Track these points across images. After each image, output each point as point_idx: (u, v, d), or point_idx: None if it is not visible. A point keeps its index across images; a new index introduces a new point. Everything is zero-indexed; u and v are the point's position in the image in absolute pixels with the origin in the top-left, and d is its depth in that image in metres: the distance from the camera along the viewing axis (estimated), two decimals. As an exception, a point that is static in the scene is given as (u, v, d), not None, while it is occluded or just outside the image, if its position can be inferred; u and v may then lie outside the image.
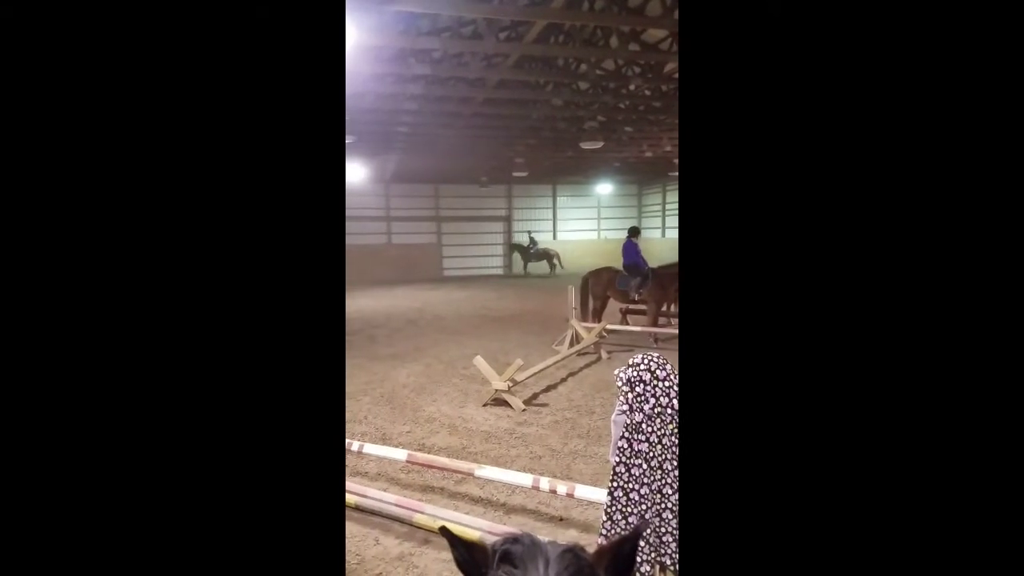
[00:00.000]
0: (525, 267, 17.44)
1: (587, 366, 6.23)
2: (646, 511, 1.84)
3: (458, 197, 17.52)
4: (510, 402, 4.81)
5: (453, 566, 0.65)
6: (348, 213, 16.41)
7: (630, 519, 1.87)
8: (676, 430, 1.82)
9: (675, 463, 1.81)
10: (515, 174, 14.81)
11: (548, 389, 5.39)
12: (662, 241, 17.18)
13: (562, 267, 17.30)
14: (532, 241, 17.61)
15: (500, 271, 18.02)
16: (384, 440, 4.07)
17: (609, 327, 7.08)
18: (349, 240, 16.62)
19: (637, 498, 1.86)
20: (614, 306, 7.82)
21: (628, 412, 1.88)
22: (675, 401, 1.83)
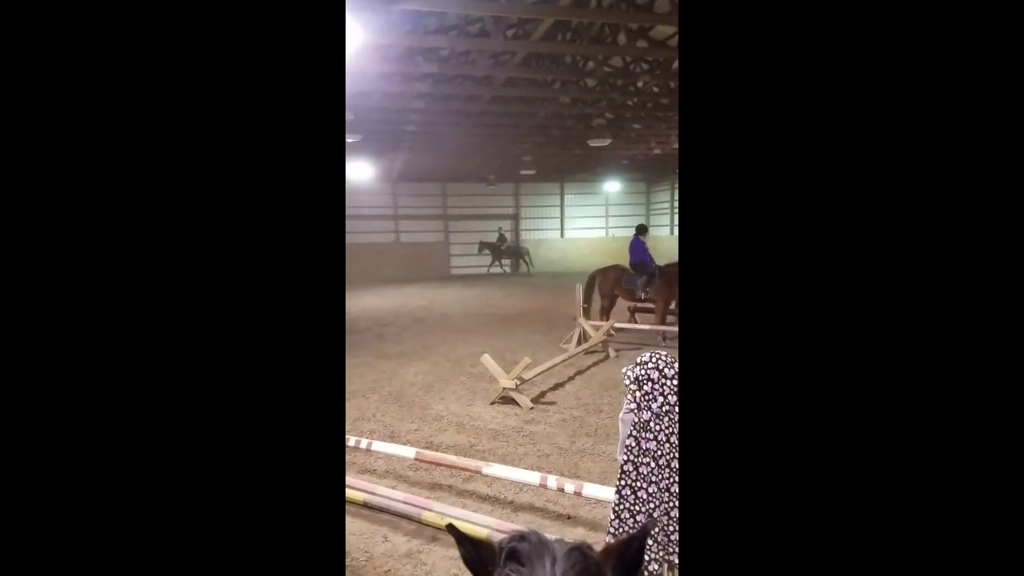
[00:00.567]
0: (491, 265, 17.15)
1: (595, 364, 6.22)
2: (654, 509, 1.84)
3: (466, 195, 17.53)
4: (518, 400, 4.81)
5: (461, 563, 0.65)
6: (356, 212, 16.54)
7: (638, 517, 1.86)
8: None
9: (683, 462, 1.81)
10: (523, 172, 14.79)
11: (556, 387, 5.39)
12: (671, 239, 17.08)
13: (533, 265, 17.16)
14: (501, 238, 17.37)
15: (507, 269, 18.02)
16: (392, 438, 4.09)
17: (617, 325, 7.06)
18: (357, 239, 16.77)
19: (645, 496, 1.85)
20: (622, 304, 7.79)
21: (636, 410, 1.87)
22: (683, 399, 1.82)
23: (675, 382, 1.84)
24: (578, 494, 2.69)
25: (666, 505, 1.83)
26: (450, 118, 8.51)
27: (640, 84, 7.16)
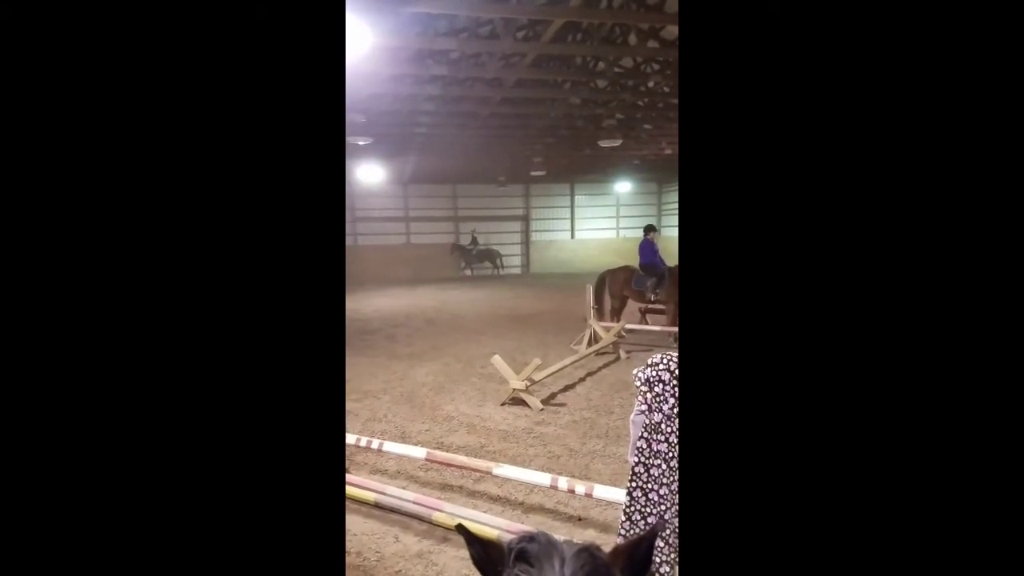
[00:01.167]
0: (463, 267, 16.85)
1: (606, 366, 6.19)
2: (665, 511, 1.83)
3: (476, 197, 17.58)
4: (528, 401, 4.81)
5: (472, 564, 0.65)
6: (367, 214, 16.65)
7: (649, 519, 1.85)
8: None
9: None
10: (533, 173, 14.79)
11: (566, 389, 5.38)
12: (682, 239, 16.93)
13: (503, 267, 17.07)
14: (474, 240, 17.12)
15: (518, 270, 18.03)
16: (403, 438, 4.11)
17: (628, 327, 7.02)
18: (369, 240, 16.85)
19: (656, 498, 1.84)
20: (633, 305, 7.75)
21: (647, 412, 1.87)
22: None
23: (686, 384, 1.83)
24: (589, 496, 2.68)
25: (677, 507, 1.82)
26: (460, 120, 8.54)
27: (651, 84, 7.12)
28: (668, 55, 6.29)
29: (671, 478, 1.82)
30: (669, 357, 1.88)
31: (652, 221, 16.20)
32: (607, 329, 6.67)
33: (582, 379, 5.68)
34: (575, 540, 0.63)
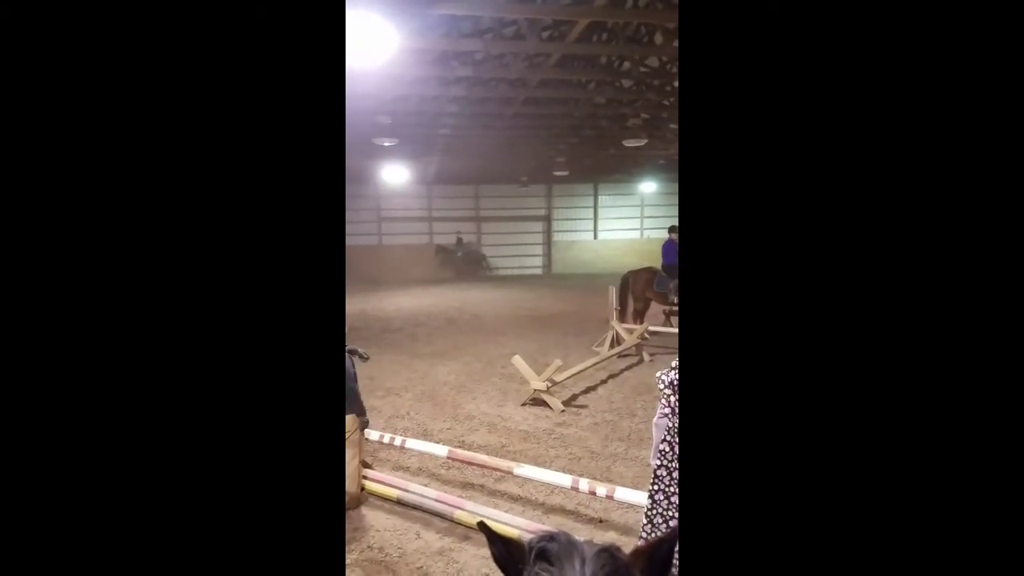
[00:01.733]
0: (446, 269, 16.24)
1: (628, 368, 6.14)
2: (687, 516, 1.81)
3: (498, 197, 17.62)
4: (549, 402, 4.80)
5: (492, 563, 0.66)
6: (390, 214, 16.83)
7: (671, 523, 1.83)
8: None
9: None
10: (555, 173, 14.75)
11: (588, 391, 5.35)
12: (707, 241, 16.66)
13: (492, 269, 16.77)
14: (459, 242, 16.70)
15: (539, 271, 18.01)
16: (425, 436, 4.15)
17: (651, 329, 6.95)
18: (392, 240, 17.02)
19: (678, 502, 1.82)
20: (657, 307, 7.67)
21: (670, 415, 1.85)
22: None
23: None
24: (610, 498, 2.67)
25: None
26: (484, 120, 8.57)
27: (677, 84, 7.04)
28: (695, 54, 6.19)
29: (694, 482, 1.80)
30: (693, 360, 1.86)
31: (675, 221, 15.98)
32: (630, 331, 6.61)
33: (604, 381, 5.65)
34: (595, 541, 0.64)
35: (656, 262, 7.78)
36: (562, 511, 3.09)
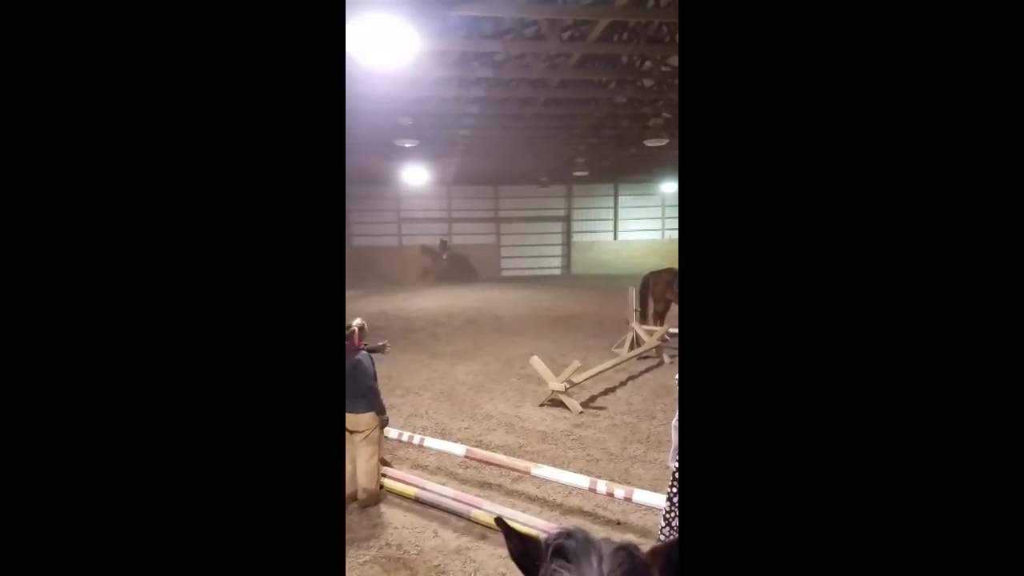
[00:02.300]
0: (431, 274, 15.87)
1: (648, 370, 6.09)
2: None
3: (518, 198, 17.63)
4: (567, 403, 4.79)
5: (510, 562, 0.66)
6: (410, 215, 16.97)
7: (690, 527, 1.82)
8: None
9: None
10: (576, 173, 14.70)
11: (606, 392, 5.32)
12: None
13: (478, 272, 16.46)
14: (443, 245, 16.31)
15: (559, 272, 17.96)
16: (443, 435, 4.17)
17: (672, 330, 6.88)
18: (412, 240, 17.14)
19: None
20: (677, 309, 7.58)
21: (689, 417, 1.83)
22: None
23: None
24: (628, 500, 2.65)
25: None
26: (504, 121, 8.59)
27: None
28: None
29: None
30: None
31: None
32: (650, 332, 6.55)
33: (623, 383, 5.61)
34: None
35: (675, 263, 7.66)
36: (580, 512, 3.07)
